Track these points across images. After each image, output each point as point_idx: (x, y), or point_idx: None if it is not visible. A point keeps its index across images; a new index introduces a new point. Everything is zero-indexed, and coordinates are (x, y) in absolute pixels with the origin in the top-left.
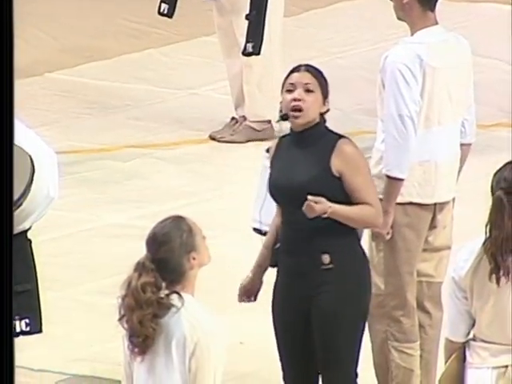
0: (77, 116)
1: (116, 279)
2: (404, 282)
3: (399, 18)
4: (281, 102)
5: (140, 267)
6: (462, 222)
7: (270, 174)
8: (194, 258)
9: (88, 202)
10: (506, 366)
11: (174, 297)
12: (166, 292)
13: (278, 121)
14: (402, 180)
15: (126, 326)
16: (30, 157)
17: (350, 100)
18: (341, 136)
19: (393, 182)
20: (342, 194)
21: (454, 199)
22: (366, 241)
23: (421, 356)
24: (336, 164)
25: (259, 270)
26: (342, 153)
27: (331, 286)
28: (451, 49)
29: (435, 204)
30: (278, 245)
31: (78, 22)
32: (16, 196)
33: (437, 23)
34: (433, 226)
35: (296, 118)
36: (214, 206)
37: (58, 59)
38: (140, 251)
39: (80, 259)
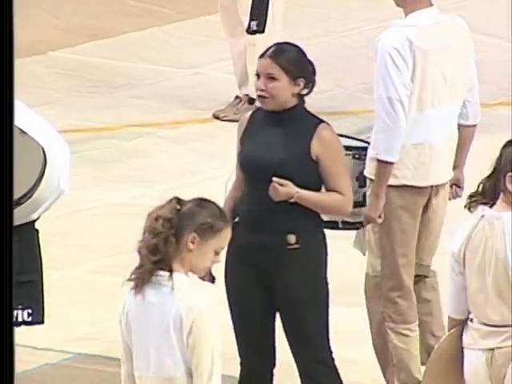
0: (80, 95)
1: (118, 258)
2: (399, 263)
3: (397, 5)
4: None
5: (170, 201)
6: (463, 201)
7: (242, 148)
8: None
9: (91, 181)
10: (493, 349)
11: (169, 276)
12: (162, 272)
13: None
14: (391, 163)
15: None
16: (43, 149)
17: (353, 79)
18: (321, 121)
19: (383, 166)
20: (316, 178)
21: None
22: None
23: (425, 321)
24: (315, 148)
25: None
26: (322, 138)
27: (296, 266)
28: (446, 30)
29: (431, 187)
30: (237, 219)
31: (80, 1)
32: (27, 188)
33: (431, 5)
34: (429, 209)
35: (263, 105)
36: (217, 184)
37: (61, 38)
38: (142, 230)
39: (82, 238)
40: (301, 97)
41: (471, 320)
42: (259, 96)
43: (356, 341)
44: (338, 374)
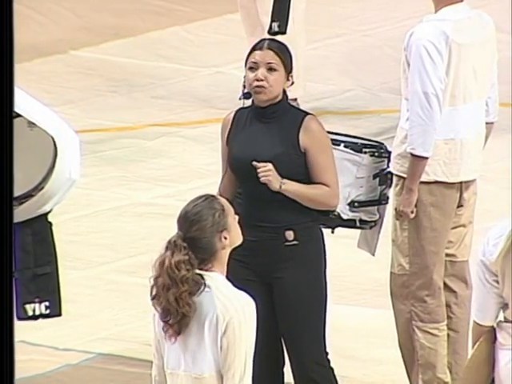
0: (101, 94)
1: (141, 258)
2: (429, 261)
3: None
4: (244, 77)
5: (172, 246)
6: (487, 200)
7: (231, 148)
8: (225, 238)
9: (112, 181)
10: None
11: (206, 276)
12: (197, 271)
13: (240, 98)
14: (426, 158)
15: (159, 306)
16: (53, 139)
17: (375, 78)
18: (307, 113)
19: (417, 161)
20: (305, 170)
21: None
22: (389, 220)
23: (448, 335)
24: (303, 140)
25: None
26: (309, 129)
27: (295, 262)
28: (475, 26)
29: (461, 183)
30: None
31: (102, 0)
32: (39, 179)
33: (462, 0)
34: (459, 204)
35: (259, 96)
36: None
37: (83, 37)
38: (165, 230)
39: (104, 238)
40: (284, 91)
41: (506, 321)
42: (257, 87)
43: (383, 342)
44: (334, 374)
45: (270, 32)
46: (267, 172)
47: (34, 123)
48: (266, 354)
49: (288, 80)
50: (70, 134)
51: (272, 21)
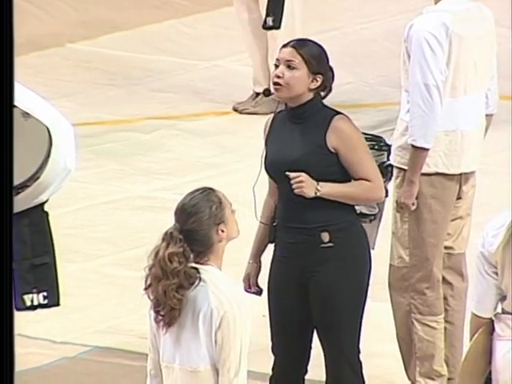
0: (99, 87)
1: (138, 251)
2: (429, 254)
3: None
4: None
5: (168, 237)
6: (485, 194)
7: (266, 151)
8: (222, 231)
9: (110, 174)
10: None
11: (201, 269)
12: (193, 264)
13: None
14: (427, 150)
15: (151, 296)
16: (48, 129)
17: (373, 71)
18: (337, 112)
19: (418, 152)
20: (339, 169)
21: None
22: (390, 212)
23: (445, 328)
24: (331, 140)
25: (259, 254)
26: (336, 129)
27: (331, 264)
28: (475, 18)
29: (461, 175)
30: (276, 222)
31: None
32: (34, 169)
33: None
34: (458, 197)
35: (276, 92)
36: (236, 177)
37: (80, 30)
38: (162, 223)
39: (102, 231)
40: (317, 92)
41: (504, 313)
42: (274, 83)
43: (380, 335)
44: (363, 381)
45: (264, 26)
46: (300, 184)
47: (28, 114)
48: (294, 356)
49: (316, 81)
50: (65, 124)
51: (267, 15)
